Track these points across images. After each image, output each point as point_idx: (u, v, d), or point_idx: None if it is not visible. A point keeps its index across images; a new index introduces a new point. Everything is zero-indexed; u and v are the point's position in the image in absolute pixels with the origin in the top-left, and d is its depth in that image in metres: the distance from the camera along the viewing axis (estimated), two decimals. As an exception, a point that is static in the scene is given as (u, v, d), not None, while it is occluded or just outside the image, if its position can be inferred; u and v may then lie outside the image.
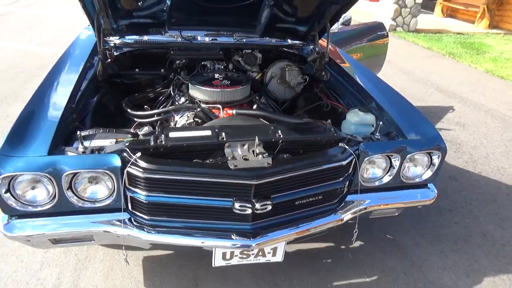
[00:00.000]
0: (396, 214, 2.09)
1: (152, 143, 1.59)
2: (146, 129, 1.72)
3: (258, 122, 1.95)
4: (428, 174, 1.92)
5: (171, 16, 2.42)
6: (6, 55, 5.89)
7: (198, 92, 2.22)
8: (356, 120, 2.05)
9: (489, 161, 3.67)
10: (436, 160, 1.89)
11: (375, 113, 2.08)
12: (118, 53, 2.51)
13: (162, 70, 2.64)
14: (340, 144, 1.76)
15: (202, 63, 2.67)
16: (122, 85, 2.55)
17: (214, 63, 2.67)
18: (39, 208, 1.53)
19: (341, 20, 3.75)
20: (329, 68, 2.59)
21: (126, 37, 2.58)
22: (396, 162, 1.84)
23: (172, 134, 1.66)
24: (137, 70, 2.61)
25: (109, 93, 2.39)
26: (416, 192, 1.97)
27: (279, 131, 1.74)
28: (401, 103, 2.18)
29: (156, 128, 1.70)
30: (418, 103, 5.00)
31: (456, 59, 7.24)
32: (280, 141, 1.71)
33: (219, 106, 2.18)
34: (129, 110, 2.18)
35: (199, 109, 2.08)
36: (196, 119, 2.02)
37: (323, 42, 2.79)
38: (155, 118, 2.14)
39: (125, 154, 1.54)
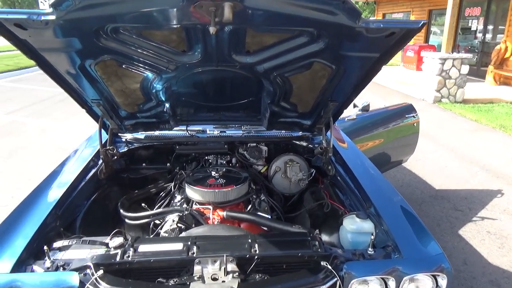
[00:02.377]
0: None
1: (118, 259, 1.54)
2: (117, 240, 1.68)
3: (239, 232, 1.85)
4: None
5: (175, 114, 2.51)
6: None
7: (192, 192, 2.19)
8: (352, 228, 1.88)
9: (543, 260, 3.16)
10: (443, 282, 1.62)
11: (374, 220, 1.89)
12: (126, 149, 2.61)
13: (168, 164, 2.68)
14: (322, 263, 1.58)
15: (206, 157, 2.68)
16: (127, 180, 2.61)
17: (217, 157, 2.67)
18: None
19: (360, 106, 3.68)
20: (335, 163, 2.47)
21: (137, 133, 2.69)
22: (392, 284, 1.60)
23: (142, 248, 1.61)
24: (143, 164, 2.68)
25: (112, 189, 2.44)
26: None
27: (256, 246, 1.61)
28: (402, 211, 1.97)
29: (128, 239, 1.66)
30: (459, 185, 4.60)
31: (508, 133, 6.72)
32: (256, 257, 1.58)
33: (210, 207, 2.11)
34: (121, 210, 2.19)
35: (186, 212, 2.03)
36: (180, 225, 1.96)
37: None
38: (145, 220, 2.12)
39: (88, 271, 1.50)
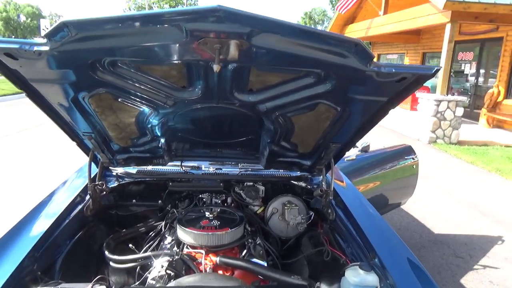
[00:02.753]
0: None
1: None
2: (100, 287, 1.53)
3: (234, 283, 1.70)
4: None
5: (170, 149, 2.41)
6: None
7: (183, 233, 2.05)
8: (355, 281, 1.74)
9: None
10: None
11: (379, 273, 1.76)
12: (116, 184, 2.48)
13: (159, 201, 2.55)
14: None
15: (200, 195, 2.55)
16: (115, 217, 2.47)
17: (212, 196, 2.55)
18: None
19: (359, 146, 3.62)
20: (336, 207, 2.36)
21: (129, 167, 2.57)
22: None
23: (125, 301, 1.46)
24: (134, 201, 2.54)
25: (98, 228, 2.29)
26: None
27: None
28: (409, 263, 1.84)
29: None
30: (459, 230, 4.48)
31: (504, 177, 6.69)
32: (251, 314, 1.44)
33: (202, 252, 1.97)
34: (106, 252, 2.03)
35: (176, 257, 1.89)
36: (169, 271, 1.81)
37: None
38: (131, 265, 1.96)
39: None
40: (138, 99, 1.80)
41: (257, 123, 2.13)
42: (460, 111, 9.15)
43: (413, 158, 4.00)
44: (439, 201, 5.37)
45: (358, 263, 1.84)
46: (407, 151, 4.02)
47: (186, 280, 1.67)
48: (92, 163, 2.22)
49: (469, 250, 4.00)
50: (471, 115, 12.69)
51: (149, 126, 2.06)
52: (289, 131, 2.13)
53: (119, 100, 1.80)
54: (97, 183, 2.23)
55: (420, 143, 9.11)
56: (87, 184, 2.24)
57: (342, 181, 2.76)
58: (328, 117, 1.94)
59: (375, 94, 1.66)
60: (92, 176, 2.18)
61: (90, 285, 1.65)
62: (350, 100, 1.75)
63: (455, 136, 9.19)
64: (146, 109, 1.90)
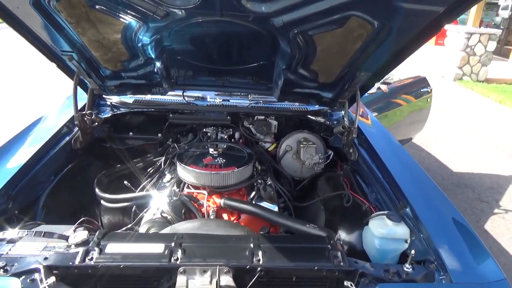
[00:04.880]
0: None
1: (78, 261, 1.17)
2: (80, 234, 1.30)
3: (239, 231, 1.45)
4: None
5: (169, 75, 2.07)
6: None
7: (184, 172, 1.80)
8: (382, 233, 1.48)
9: None
10: None
11: (410, 225, 1.50)
12: (110, 114, 2.20)
13: (159, 135, 2.27)
14: (345, 283, 1.20)
15: (204, 130, 2.26)
16: (110, 151, 2.21)
17: (218, 130, 2.25)
18: None
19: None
20: (359, 146, 2.05)
21: (125, 95, 2.27)
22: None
23: (110, 248, 1.23)
24: (130, 133, 2.27)
25: (90, 163, 2.05)
26: None
27: (259, 253, 1.24)
28: (448, 215, 1.56)
29: (95, 233, 1.28)
30: (484, 173, 4.19)
31: (535, 117, 6.23)
32: (259, 269, 1.20)
33: (205, 192, 1.72)
34: (97, 190, 1.80)
35: (175, 198, 1.64)
36: (165, 215, 1.57)
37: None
38: (124, 204, 1.74)
39: (37, 275, 1.13)
40: (120, 8, 1.43)
41: (270, 44, 1.75)
42: (492, 45, 8.41)
43: (428, 91, 3.68)
44: (464, 142, 5.03)
45: (386, 211, 1.57)
46: (422, 82, 3.75)
47: (182, 226, 1.43)
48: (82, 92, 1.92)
49: (494, 194, 3.73)
50: (501, 51, 11.76)
51: (140, 45, 1.71)
52: (309, 55, 1.75)
53: (97, 8, 1.43)
54: (85, 112, 1.95)
55: (445, 81, 8.53)
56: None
57: (366, 118, 2.42)
58: (360, 36, 1.54)
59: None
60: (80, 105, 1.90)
61: (72, 228, 1.43)
62: (394, 11, 1.34)
63: (483, 73, 8.55)
64: (132, 21, 1.53)
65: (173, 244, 1.25)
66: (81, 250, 1.21)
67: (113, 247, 1.24)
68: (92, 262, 1.18)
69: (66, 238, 1.35)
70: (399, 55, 1.63)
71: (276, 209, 1.75)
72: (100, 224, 1.82)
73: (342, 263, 1.24)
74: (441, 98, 5.54)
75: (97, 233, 1.30)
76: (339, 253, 1.27)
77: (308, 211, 2.03)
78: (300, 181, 2.24)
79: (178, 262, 1.19)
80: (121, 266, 1.19)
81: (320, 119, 2.35)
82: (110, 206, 1.75)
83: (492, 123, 5.90)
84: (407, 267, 1.27)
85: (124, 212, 1.90)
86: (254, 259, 1.22)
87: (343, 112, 2.41)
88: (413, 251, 1.28)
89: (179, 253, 1.21)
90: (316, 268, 1.23)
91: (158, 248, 1.24)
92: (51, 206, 1.66)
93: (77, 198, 1.83)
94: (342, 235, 1.75)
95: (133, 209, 1.83)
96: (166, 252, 1.22)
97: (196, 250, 1.25)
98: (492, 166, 4.39)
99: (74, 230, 1.40)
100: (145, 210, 1.67)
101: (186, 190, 1.81)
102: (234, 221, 1.70)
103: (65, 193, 1.77)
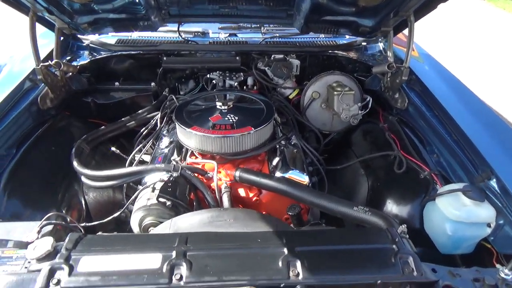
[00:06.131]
0: None
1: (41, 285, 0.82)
2: (43, 244, 0.92)
3: (266, 224, 1.05)
4: None
5: (158, 4, 1.56)
6: None
7: (185, 136, 1.38)
8: (457, 215, 1.10)
9: None
10: None
11: (496, 202, 1.10)
12: (87, 61, 1.73)
13: (152, 84, 1.81)
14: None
15: (209, 75, 1.79)
16: (93, 107, 1.77)
17: (225, 75, 1.78)
18: None
19: None
20: (408, 89, 1.59)
21: (105, 34, 1.79)
22: None
23: (84, 264, 0.86)
24: (116, 84, 1.81)
25: (67, 125, 1.63)
26: None
27: (297, 264, 0.86)
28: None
29: (63, 245, 0.90)
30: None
31: None
32: (298, 287, 0.83)
33: (214, 163, 1.31)
34: (75, 163, 1.39)
35: (175, 174, 1.23)
36: (163, 200, 1.16)
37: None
38: (109, 183, 1.34)
39: None
40: None
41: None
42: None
43: None
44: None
45: (461, 184, 1.16)
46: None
47: (186, 221, 1.03)
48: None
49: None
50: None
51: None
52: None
53: None
54: (51, 63, 1.48)
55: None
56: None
57: (412, 49, 1.90)
58: None
59: None
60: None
61: (37, 227, 1.05)
62: None
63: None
64: None
65: (174, 254, 0.87)
66: (43, 269, 0.84)
67: (88, 263, 0.87)
68: None
69: (25, 246, 0.97)
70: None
71: (307, 180, 1.34)
72: (84, 204, 1.45)
73: (415, 273, 0.86)
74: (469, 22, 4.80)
75: (66, 240, 0.92)
76: (411, 258, 0.88)
77: (343, 177, 1.63)
78: (328, 134, 1.82)
79: (182, 283, 0.82)
80: (101, 292, 0.82)
81: (353, 54, 1.86)
82: (93, 185, 1.36)
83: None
84: (506, 273, 0.89)
85: (115, 187, 1.52)
86: (291, 272, 0.84)
87: (380, 44, 1.91)
88: (490, 229, 0.88)
89: (183, 269, 0.84)
90: (379, 282, 0.85)
91: (153, 260, 0.87)
92: (15, 189, 1.27)
93: (51, 174, 1.43)
94: (393, 209, 1.36)
95: (125, 185, 1.45)
96: (164, 267, 0.84)
97: (206, 261, 0.88)
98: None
99: (39, 231, 1.03)
100: (139, 190, 1.28)
101: (188, 160, 1.40)
102: (254, 200, 1.31)
103: (33, 169, 1.37)
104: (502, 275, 0.88)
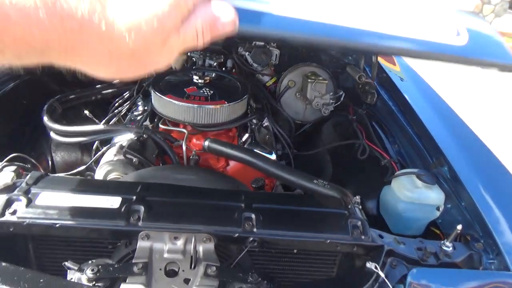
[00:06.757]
0: None
1: None
2: (3, 177, 0.94)
3: (225, 182, 1.09)
4: None
5: None
6: None
7: (159, 103, 1.40)
8: (409, 196, 1.16)
9: None
10: None
11: (446, 187, 1.17)
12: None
13: None
14: (368, 265, 0.88)
15: (189, 53, 1.83)
16: (69, 71, 1.77)
17: (205, 55, 1.82)
18: None
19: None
20: (378, 85, 1.67)
21: None
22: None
23: (42, 199, 0.88)
24: None
25: (40, 85, 1.63)
26: None
27: (253, 217, 0.89)
28: (496, 174, 1.23)
29: (23, 181, 0.91)
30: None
31: (546, 76, 5.85)
32: (251, 239, 0.87)
33: (185, 131, 1.34)
34: (45, 118, 1.39)
35: (144, 136, 1.26)
36: (130, 156, 1.19)
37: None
38: (79, 139, 1.35)
39: None
40: None
41: None
42: (509, -5, 7.80)
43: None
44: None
45: (415, 170, 1.23)
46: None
47: (150, 173, 1.06)
48: None
49: None
50: (514, 4, 11.08)
51: None
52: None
53: None
54: None
55: (454, 30, 7.97)
56: None
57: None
58: None
59: None
60: None
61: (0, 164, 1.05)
62: None
63: (495, 25, 8.00)
64: None
65: (134, 197, 0.89)
66: (2, 198, 0.85)
67: (47, 198, 0.88)
68: (14, 217, 0.82)
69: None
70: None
71: (274, 157, 1.39)
72: (50, 163, 1.45)
73: (363, 236, 0.91)
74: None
75: (28, 177, 0.93)
76: (360, 223, 0.94)
77: (310, 162, 1.68)
78: (302, 125, 1.87)
79: (139, 224, 0.84)
80: (57, 225, 0.83)
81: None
82: (62, 140, 1.36)
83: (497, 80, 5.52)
84: (447, 245, 0.95)
85: (84, 148, 1.53)
86: (246, 225, 0.88)
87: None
88: (459, 226, 0.95)
89: (141, 211, 0.86)
90: (328, 241, 0.90)
91: (112, 201, 0.89)
92: None
93: (17, 129, 1.42)
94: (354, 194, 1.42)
95: (95, 146, 1.46)
96: (123, 208, 0.86)
97: (165, 208, 0.90)
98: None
99: (0, 170, 1.03)
100: (105, 147, 1.29)
101: (161, 127, 1.42)
102: (220, 170, 1.34)
103: (0, 121, 1.36)
104: (444, 247, 0.94)
